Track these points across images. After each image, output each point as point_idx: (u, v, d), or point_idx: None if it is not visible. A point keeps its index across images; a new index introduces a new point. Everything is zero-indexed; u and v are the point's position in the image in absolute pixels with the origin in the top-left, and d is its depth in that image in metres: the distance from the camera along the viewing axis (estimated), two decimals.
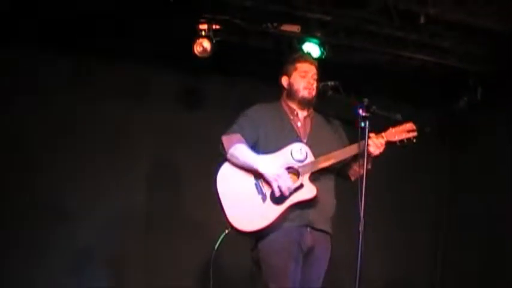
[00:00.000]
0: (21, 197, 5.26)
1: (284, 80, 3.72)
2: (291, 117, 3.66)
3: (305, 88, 3.63)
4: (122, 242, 5.53)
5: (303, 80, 3.65)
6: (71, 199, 5.40)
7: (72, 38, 5.27)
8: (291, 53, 4.27)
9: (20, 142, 5.31)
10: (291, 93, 3.68)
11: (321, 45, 5.36)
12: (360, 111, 3.30)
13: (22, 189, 5.27)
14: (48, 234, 5.29)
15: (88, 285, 5.37)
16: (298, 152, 3.51)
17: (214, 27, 5.13)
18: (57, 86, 5.45)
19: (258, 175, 3.46)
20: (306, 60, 3.76)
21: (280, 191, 3.40)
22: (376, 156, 3.52)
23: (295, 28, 5.26)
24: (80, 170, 5.46)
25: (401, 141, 3.56)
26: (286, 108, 3.70)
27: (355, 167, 3.59)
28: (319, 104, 3.72)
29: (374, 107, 3.32)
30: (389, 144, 3.55)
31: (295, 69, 3.69)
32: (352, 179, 3.68)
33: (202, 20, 5.11)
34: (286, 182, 3.40)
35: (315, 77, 3.66)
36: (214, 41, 5.15)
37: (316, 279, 3.56)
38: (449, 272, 6.47)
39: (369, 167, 3.44)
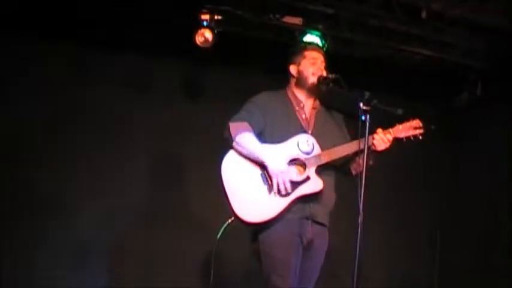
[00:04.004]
0: (20, 190, 5.23)
1: (293, 69, 3.67)
2: (296, 109, 3.63)
3: (314, 74, 3.59)
4: (121, 236, 5.50)
5: (312, 67, 3.61)
6: (70, 193, 5.37)
7: (72, 29, 5.23)
8: (296, 43, 4.20)
9: (19, 136, 5.26)
10: (300, 81, 3.64)
11: (323, 37, 5.34)
12: (361, 104, 3.26)
13: (21, 183, 5.24)
14: (47, 227, 5.26)
15: (86, 279, 5.34)
16: (305, 143, 3.48)
17: (216, 17, 5.10)
18: (56, 79, 5.40)
19: (263, 166, 3.42)
20: (313, 49, 3.75)
21: (278, 188, 3.37)
22: (381, 152, 3.50)
23: (297, 20, 5.25)
24: (79, 163, 5.43)
25: (407, 137, 3.55)
26: (292, 98, 3.66)
27: (358, 161, 3.49)
28: (323, 97, 3.70)
29: (375, 101, 3.28)
30: (396, 140, 3.54)
31: (304, 57, 3.65)
32: (354, 173, 3.63)
33: (204, 10, 5.08)
34: (286, 182, 3.36)
35: (324, 64, 3.63)
36: (215, 32, 5.13)
37: (315, 272, 3.56)
38: (448, 269, 6.48)
39: (371, 162, 3.42)
